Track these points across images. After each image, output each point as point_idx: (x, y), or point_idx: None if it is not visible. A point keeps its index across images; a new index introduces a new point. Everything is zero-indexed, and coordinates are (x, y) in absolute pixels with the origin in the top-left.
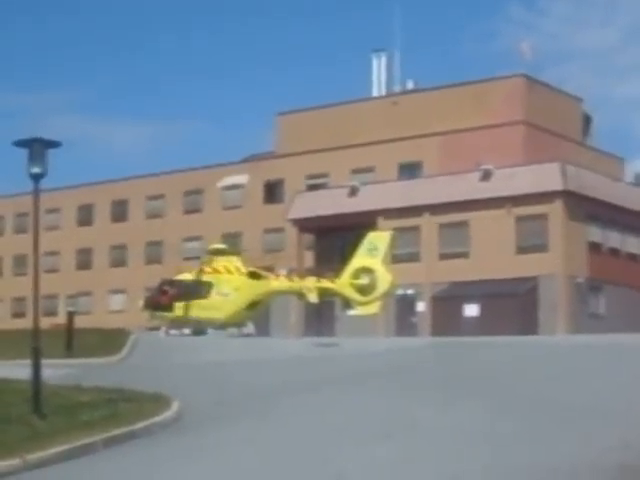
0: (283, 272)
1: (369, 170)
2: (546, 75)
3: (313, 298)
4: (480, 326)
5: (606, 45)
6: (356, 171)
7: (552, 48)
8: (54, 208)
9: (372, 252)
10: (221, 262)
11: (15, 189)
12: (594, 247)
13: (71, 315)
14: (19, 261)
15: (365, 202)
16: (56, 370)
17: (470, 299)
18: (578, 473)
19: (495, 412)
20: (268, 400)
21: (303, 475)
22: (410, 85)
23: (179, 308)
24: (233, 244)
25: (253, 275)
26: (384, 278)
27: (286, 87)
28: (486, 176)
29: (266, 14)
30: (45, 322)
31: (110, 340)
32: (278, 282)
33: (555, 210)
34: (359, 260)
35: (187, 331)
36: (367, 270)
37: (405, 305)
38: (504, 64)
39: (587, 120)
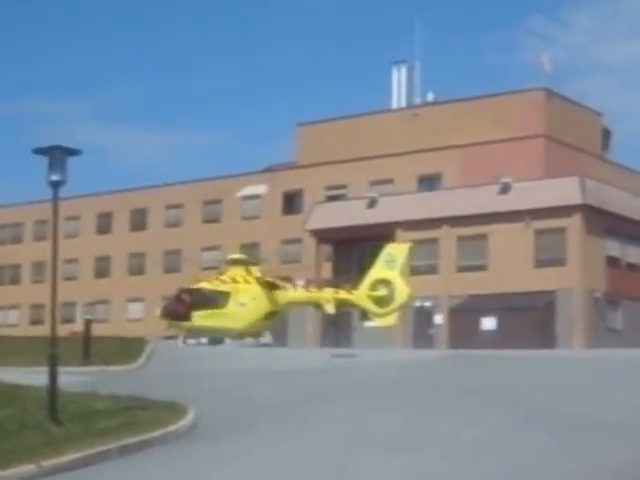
0: (301, 283)
1: (388, 182)
2: (568, 88)
3: (330, 309)
4: (497, 339)
5: (629, 58)
6: (375, 183)
7: (574, 61)
8: (73, 216)
9: (390, 264)
10: (239, 272)
11: (35, 196)
12: (612, 262)
13: (88, 323)
14: (38, 268)
15: (384, 214)
16: (73, 377)
17: (488, 312)
18: None
19: (513, 426)
20: (284, 410)
21: None
22: (430, 97)
23: (197, 317)
24: (251, 254)
25: (271, 285)
26: (402, 290)
27: (306, 98)
28: (505, 189)
29: (286, 26)
30: (63, 329)
31: (127, 348)
32: (296, 293)
33: (574, 224)
34: (377, 271)
35: (204, 340)
36: (385, 282)
37: (423, 317)
38: (525, 76)
39: (607, 134)
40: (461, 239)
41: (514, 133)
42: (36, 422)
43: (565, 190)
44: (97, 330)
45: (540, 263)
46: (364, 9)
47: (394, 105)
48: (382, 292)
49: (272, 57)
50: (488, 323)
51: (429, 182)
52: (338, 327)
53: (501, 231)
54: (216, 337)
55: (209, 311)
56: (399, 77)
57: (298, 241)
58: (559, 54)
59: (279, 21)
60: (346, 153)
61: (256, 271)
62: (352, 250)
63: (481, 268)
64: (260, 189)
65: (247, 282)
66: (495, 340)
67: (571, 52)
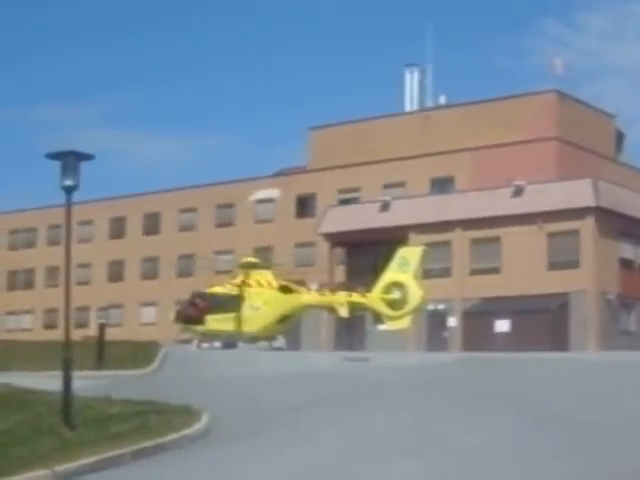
0: (314, 286)
1: (401, 185)
2: (581, 91)
3: (344, 312)
4: (511, 342)
5: None
6: (388, 186)
7: (587, 64)
8: (86, 220)
9: (403, 267)
10: (252, 276)
11: (48, 201)
12: (626, 264)
13: (102, 327)
14: (51, 273)
15: (397, 217)
16: (87, 382)
17: (501, 315)
18: None
19: (525, 430)
20: (297, 414)
21: None
22: (442, 100)
23: (210, 321)
24: (264, 258)
25: (284, 289)
26: (415, 293)
27: (318, 101)
28: (518, 192)
29: (299, 29)
30: (76, 334)
31: (141, 352)
32: (309, 296)
33: (587, 226)
34: (390, 275)
35: (218, 344)
36: (398, 285)
37: (436, 320)
38: (537, 79)
39: (620, 136)
40: (474, 242)
41: (527, 136)
42: (50, 427)
43: (578, 192)
44: (111, 334)
45: (553, 265)
46: (376, 13)
47: (406, 108)
48: (395, 295)
49: (284, 61)
50: (501, 326)
51: (442, 185)
52: (351, 330)
53: (514, 234)
54: (230, 341)
55: (223, 315)
56: (411, 80)
57: (311, 245)
58: (571, 57)
59: (291, 24)
60: (359, 156)
61: (269, 275)
62: (365, 253)
63: (494, 271)
64: (273, 193)
65: (260, 286)
66: (509, 343)
67: (584, 55)
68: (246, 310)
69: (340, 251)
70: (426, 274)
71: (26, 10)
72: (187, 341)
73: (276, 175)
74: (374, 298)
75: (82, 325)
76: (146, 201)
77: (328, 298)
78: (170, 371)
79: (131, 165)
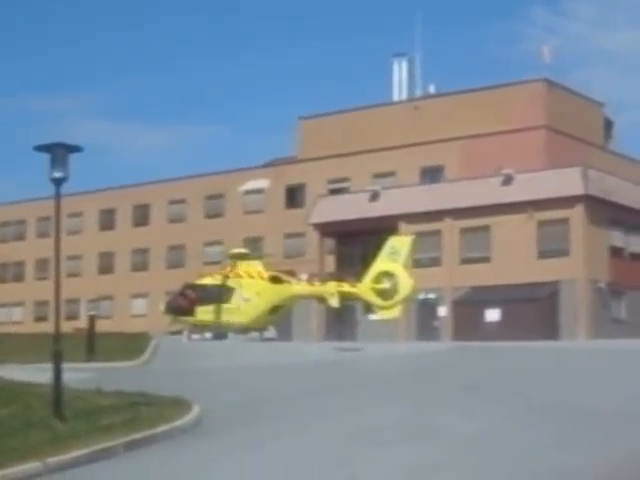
0: (304, 276)
1: (390, 174)
2: (570, 78)
3: (334, 302)
4: (501, 331)
5: (631, 47)
6: (377, 175)
7: (576, 50)
8: (76, 212)
9: (393, 256)
10: (242, 266)
11: (37, 193)
12: (616, 252)
13: (92, 319)
14: (41, 265)
15: (386, 206)
16: (77, 374)
17: (491, 304)
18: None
19: (517, 418)
20: (288, 404)
21: (317, 478)
22: (432, 89)
23: (201, 312)
24: (254, 248)
25: (274, 279)
26: (405, 282)
27: (307, 91)
28: (507, 181)
29: (286, 18)
30: (67, 326)
31: (131, 344)
32: (299, 286)
33: (576, 215)
34: (380, 264)
35: (209, 335)
36: (388, 274)
37: (426, 309)
38: (527, 67)
39: (609, 124)
40: (464, 231)
41: (516, 124)
42: (41, 419)
43: (567, 181)
44: (101, 326)
45: (543, 254)
46: (364, 2)
47: (395, 98)
48: (386, 285)
49: (272, 51)
50: (492, 315)
51: (431, 174)
52: (342, 320)
53: (504, 222)
54: (220, 332)
55: (213, 306)
56: (400, 70)
57: (301, 235)
58: (561, 44)
59: (280, 14)
60: (348, 146)
61: (259, 265)
62: (355, 243)
63: (484, 260)
64: (262, 183)
65: (251, 277)
66: (499, 332)
67: (573, 42)
68: (236, 301)
69: (330, 241)
70: (416, 263)
71: (19, 1)
72: (177, 332)
73: (266, 165)
74: (364, 288)
75: (72, 317)
76: (136, 192)
77: (318, 288)
78: (161, 363)
79: (121, 156)
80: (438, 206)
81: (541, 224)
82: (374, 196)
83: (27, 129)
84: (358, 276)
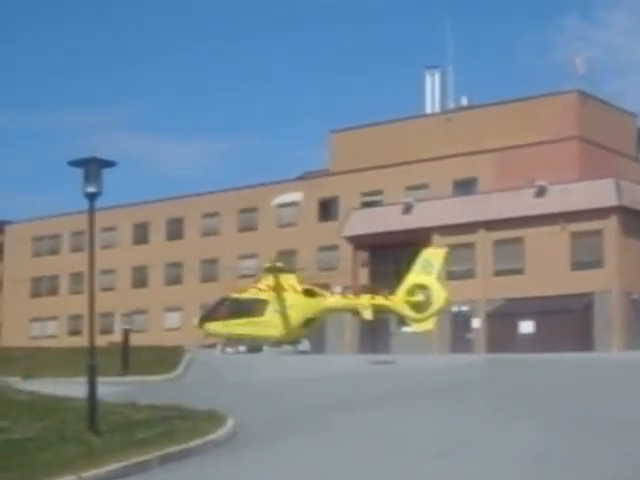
0: (338, 289)
1: (423, 187)
2: (604, 88)
3: (368, 315)
4: (535, 343)
5: None
6: (410, 188)
7: (610, 60)
8: (110, 226)
9: (427, 269)
10: (276, 280)
11: (71, 208)
12: None
13: (127, 333)
14: (75, 279)
15: (419, 219)
16: (112, 388)
17: (525, 316)
18: None
19: (551, 430)
20: (322, 417)
21: None
22: (464, 101)
23: (235, 325)
24: (288, 262)
25: (308, 293)
26: (439, 295)
27: (340, 105)
28: (541, 192)
29: (320, 34)
30: (101, 340)
31: (166, 358)
32: (333, 299)
33: (610, 226)
34: (414, 277)
35: (243, 348)
36: (422, 287)
37: (460, 322)
38: (560, 77)
39: None
40: (497, 243)
41: (548, 136)
42: (75, 433)
43: (601, 192)
44: (135, 340)
45: (577, 266)
46: (396, 15)
47: (428, 110)
48: (419, 297)
49: (305, 64)
50: (526, 327)
51: (464, 186)
52: (376, 333)
53: (537, 234)
54: (254, 345)
55: (247, 319)
56: (432, 82)
57: (334, 248)
58: (595, 54)
59: (313, 28)
60: (381, 159)
61: (293, 279)
62: (388, 256)
63: (518, 272)
64: (295, 196)
65: (284, 290)
66: (533, 344)
67: (607, 51)
68: (270, 314)
69: (363, 254)
70: (450, 276)
71: (51, 17)
72: (211, 346)
73: (299, 179)
74: (398, 300)
75: (107, 331)
76: (169, 206)
77: (352, 301)
78: (195, 376)
79: (154, 170)
80: (471, 218)
81: (575, 235)
82: (407, 208)
83: (61, 143)
84: (391, 289)
